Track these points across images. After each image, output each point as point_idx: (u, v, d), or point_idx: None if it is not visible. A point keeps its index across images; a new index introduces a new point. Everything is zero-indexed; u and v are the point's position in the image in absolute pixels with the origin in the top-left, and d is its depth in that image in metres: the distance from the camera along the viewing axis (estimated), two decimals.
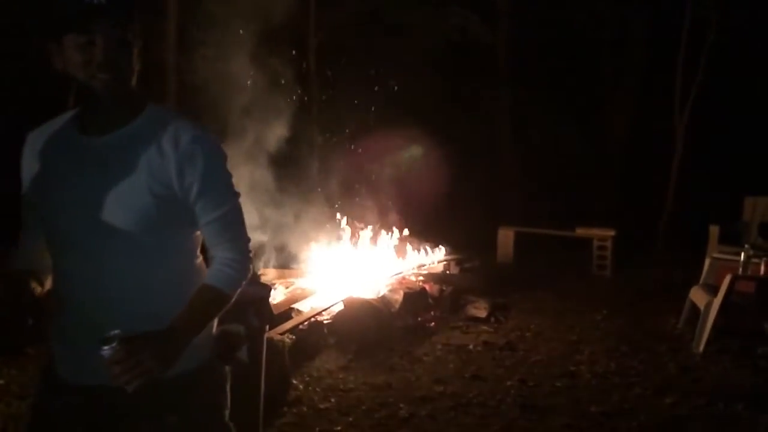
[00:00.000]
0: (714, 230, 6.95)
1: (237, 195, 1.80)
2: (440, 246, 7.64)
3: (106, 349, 1.49)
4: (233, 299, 1.77)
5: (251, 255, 1.84)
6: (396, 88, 9.50)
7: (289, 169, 7.03)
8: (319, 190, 7.41)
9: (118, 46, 1.64)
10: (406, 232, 7.78)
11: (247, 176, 6.43)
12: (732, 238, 6.45)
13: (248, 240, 1.83)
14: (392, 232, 7.70)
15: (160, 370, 1.56)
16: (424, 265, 7.18)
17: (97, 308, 1.70)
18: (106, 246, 1.69)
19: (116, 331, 1.51)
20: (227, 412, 1.91)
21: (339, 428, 3.87)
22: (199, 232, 1.82)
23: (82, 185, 1.69)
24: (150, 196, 1.67)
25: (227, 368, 1.95)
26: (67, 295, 1.74)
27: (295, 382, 4.48)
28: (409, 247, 7.57)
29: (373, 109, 8.09)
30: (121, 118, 1.72)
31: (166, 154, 1.68)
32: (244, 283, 1.79)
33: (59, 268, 1.76)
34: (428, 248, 7.59)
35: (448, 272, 7.10)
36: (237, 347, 2.87)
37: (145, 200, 1.67)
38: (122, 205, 1.67)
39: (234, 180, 1.80)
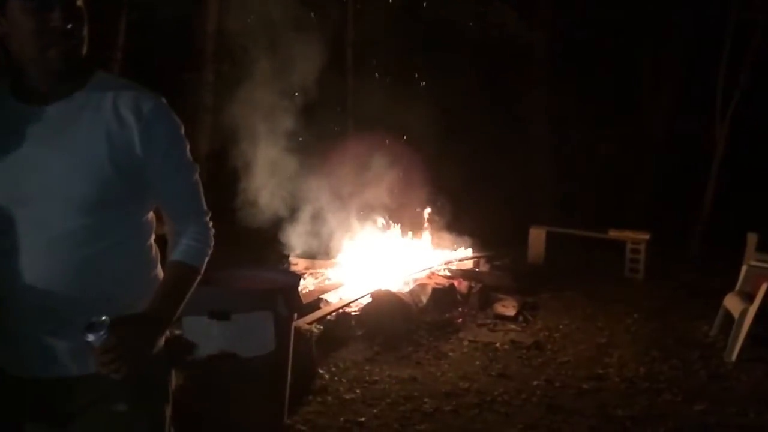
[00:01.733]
0: (752, 238, 6.80)
1: (197, 165, 1.76)
2: (471, 243, 7.61)
3: (95, 337, 1.42)
4: (202, 272, 1.74)
5: (211, 227, 1.79)
6: (432, 84, 9.47)
7: (322, 160, 7.08)
8: (352, 183, 7.43)
9: (74, 11, 1.55)
10: (437, 227, 7.77)
11: (281, 165, 6.50)
12: None
13: (209, 212, 1.79)
14: (424, 227, 7.70)
15: (148, 354, 1.55)
16: (453, 262, 7.16)
17: (48, 292, 1.57)
18: (60, 221, 1.56)
19: (104, 318, 1.44)
20: (169, 408, 1.82)
21: (363, 419, 3.89)
22: (150, 213, 1.76)
23: (30, 158, 1.57)
24: (111, 167, 1.58)
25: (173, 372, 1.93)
26: (9, 279, 1.58)
27: (321, 371, 4.51)
28: (439, 242, 7.56)
29: (407, 105, 8.08)
30: (69, 85, 1.61)
31: (128, 123, 1.60)
32: (210, 253, 1.76)
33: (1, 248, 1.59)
34: (459, 245, 7.57)
35: (477, 269, 7.07)
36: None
37: (107, 172, 1.57)
38: (81, 178, 1.56)
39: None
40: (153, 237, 1.78)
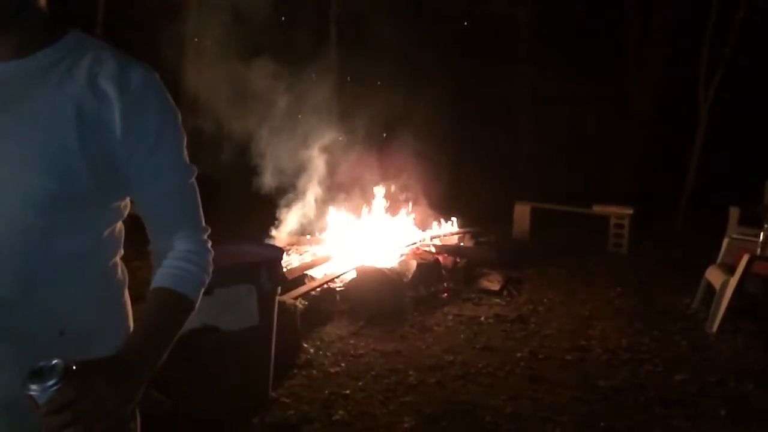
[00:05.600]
0: (734, 211, 6.86)
1: (194, 168, 1.37)
2: (455, 218, 7.62)
3: (40, 390, 0.97)
4: (197, 305, 1.33)
5: (210, 247, 1.39)
6: (415, 61, 9.40)
7: (308, 136, 7.04)
8: (336, 159, 7.39)
9: None
10: (421, 203, 7.76)
11: (265, 141, 6.46)
12: (752, 221, 6.36)
13: (207, 228, 1.39)
14: (408, 202, 7.69)
15: (120, 413, 1.06)
16: (438, 237, 7.18)
17: None
18: (2, 220, 1.20)
19: (56, 361, 0.99)
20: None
21: (348, 392, 3.91)
22: (120, 223, 1.40)
23: None
24: (80, 153, 1.20)
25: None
26: None
27: (306, 345, 4.53)
28: (424, 218, 7.56)
29: (382, 81, 8.02)
30: (30, 41, 1.23)
31: (107, 96, 1.22)
32: (207, 282, 1.36)
33: None
34: (443, 220, 7.57)
35: (462, 245, 7.08)
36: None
37: (72, 159, 1.20)
38: (37, 166, 1.19)
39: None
40: (121, 253, 1.44)
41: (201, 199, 1.40)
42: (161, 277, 1.30)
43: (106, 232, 1.35)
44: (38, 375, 0.98)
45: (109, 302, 1.40)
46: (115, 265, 1.41)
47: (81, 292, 1.31)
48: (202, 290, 1.35)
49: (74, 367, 1.00)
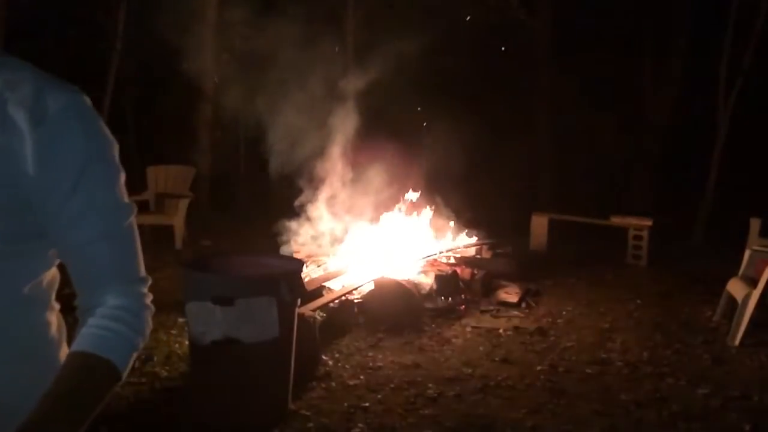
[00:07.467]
0: (755, 223, 6.80)
1: (132, 207, 1.15)
2: (473, 230, 7.60)
3: None
4: (125, 376, 1.09)
5: (150, 303, 1.16)
6: (433, 71, 9.43)
7: (323, 146, 7.07)
8: (353, 169, 7.41)
9: None
10: (439, 214, 7.75)
11: (282, 153, 6.50)
12: None
13: (147, 279, 1.16)
14: (425, 214, 7.68)
15: None
16: (456, 249, 7.16)
17: None
18: None
19: None
20: None
21: (367, 404, 3.89)
22: (54, 268, 1.18)
23: None
24: None
25: None
26: None
27: (324, 358, 4.52)
28: (442, 230, 7.54)
29: (406, 89, 8.05)
30: None
31: (17, 128, 1.03)
32: (141, 347, 1.12)
33: None
34: (461, 232, 7.56)
35: (480, 256, 7.06)
36: None
37: None
38: None
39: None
40: (55, 307, 1.21)
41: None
42: (81, 338, 1.07)
43: (28, 288, 1.13)
44: None
45: (39, 368, 1.13)
46: (47, 323, 1.18)
47: (7, 359, 1.11)
48: (134, 356, 1.11)
49: None
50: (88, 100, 1.09)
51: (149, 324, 1.14)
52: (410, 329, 5.20)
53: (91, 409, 1.02)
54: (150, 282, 1.17)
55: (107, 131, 1.11)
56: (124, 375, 1.09)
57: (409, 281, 5.82)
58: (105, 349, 1.06)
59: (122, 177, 1.13)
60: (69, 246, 1.11)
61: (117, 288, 1.11)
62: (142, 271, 1.15)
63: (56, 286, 1.21)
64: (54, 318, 1.21)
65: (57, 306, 1.22)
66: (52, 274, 1.18)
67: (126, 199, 1.13)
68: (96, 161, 1.08)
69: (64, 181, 1.05)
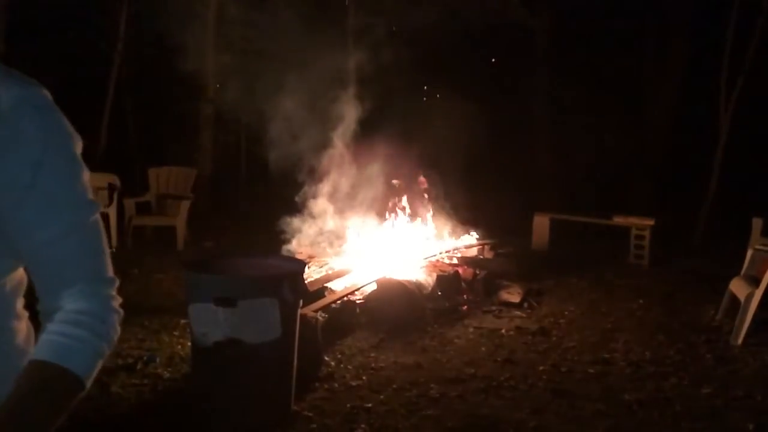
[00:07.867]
0: (757, 222, 6.79)
1: (95, 204, 1.09)
2: (475, 230, 7.59)
3: None
4: (89, 385, 1.02)
5: (118, 307, 1.09)
6: (433, 72, 9.43)
7: (323, 146, 7.07)
8: (354, 170, 7.41)
9: None
10: (441, 214, 7.74)
11: (283, 154, 6.49)
12: None
13: (114, 280, 1.10)
14: (427, 214, 7.67)
15: None
16: (458, 249, 7.15)
17: None
18: None
19: None
20: None
21: (370, 405, 3.89)
22: (20, 272, 1.11)
23: None
24: None
25: None
26: None
27: (327, 358, 4.51)
28: (443, 230, 7.54)
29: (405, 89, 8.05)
30: None
31: None
32: (107, 354, 1.05)
33: None
34: (462, 232, 7.55)
35: (481, 257, 7.05)
36: None
37: None
38: None
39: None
40: (22, 314, 1.15)
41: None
42: (39, 346, 1.01)
43: None
44: None
45: (2, 380, 1.04)
46: (12, 330, 1.10)
47: None
48: (99, 363, 1.03)
49: None
50: (47, 93, 1.05)
51: (117, 329, 1.07)
52: (412, 330, 5.19)
53: (47, 423, 0.96)
54: (118, 284, 1.10)
55: (68, 126, 1.06)
56: (88, 383, 1.02)
57: (411, 282, 5.81)
58: (64, 358, 0.99)
59: (85, 173, 1.07)
60: (28, 246, 1.04)
61: (81, 290, 1.04)
62: (110, 272, 1.09)
63: (22, 291, 1.13)
64: (23, 326, 1.13)
65: (26, 313, 1.14)
66: (18, 278, 1.10)
67: (90, 195, 1.08)
68: (54, 155, 1.03)
69: (20, 176, 1.00)
